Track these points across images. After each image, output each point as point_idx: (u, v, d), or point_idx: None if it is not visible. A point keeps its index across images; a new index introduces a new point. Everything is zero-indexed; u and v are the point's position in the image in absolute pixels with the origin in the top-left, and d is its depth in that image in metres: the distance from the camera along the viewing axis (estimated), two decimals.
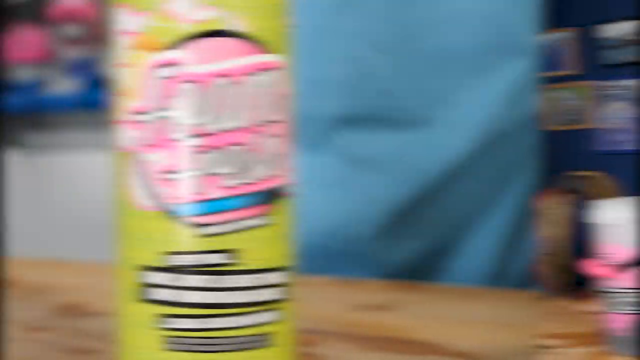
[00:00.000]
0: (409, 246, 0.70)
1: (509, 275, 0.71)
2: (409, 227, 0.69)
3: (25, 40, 2.13)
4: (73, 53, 2.08)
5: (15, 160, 2.25)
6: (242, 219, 0.32)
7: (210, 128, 0.32)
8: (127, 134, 0.33)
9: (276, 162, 0.33)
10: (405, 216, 0.69)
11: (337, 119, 0.69)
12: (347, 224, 0.70)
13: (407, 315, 0.55)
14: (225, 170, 0.32)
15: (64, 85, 2.15)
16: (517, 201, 0.69)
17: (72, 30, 2.08)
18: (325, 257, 0.71)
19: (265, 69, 0.32)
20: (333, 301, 0.60)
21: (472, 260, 0.70)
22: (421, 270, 0.70)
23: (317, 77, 0.68)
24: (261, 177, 0.33)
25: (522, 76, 0.67)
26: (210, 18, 0.31)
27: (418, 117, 0.67)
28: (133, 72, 0.32)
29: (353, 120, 0.68)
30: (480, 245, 0.70)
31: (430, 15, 0.65)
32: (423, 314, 0.56)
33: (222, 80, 0.32)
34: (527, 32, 0.65)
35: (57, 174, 2.24)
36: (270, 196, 0.33)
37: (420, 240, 0.70)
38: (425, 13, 0.65)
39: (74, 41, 2.08)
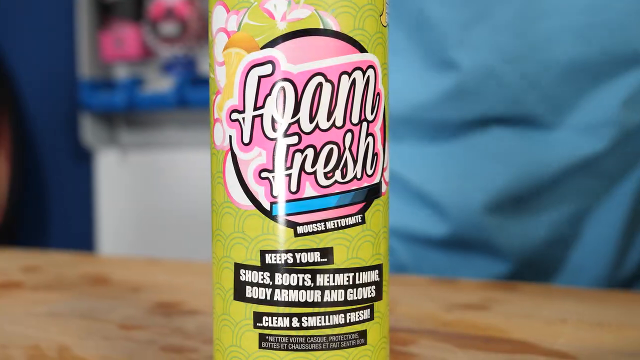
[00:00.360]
0: (530, 234, 0.71)
1: (626, 266, 0.73)
2: (530, 215, 0.71)
3: (124, 38, 2.18)
4: (170, 51, 2.12)
5: (112, 159, 2.31)
6: (337, 217, 0.32)
7: (306, 127, 0.31)
8: (223, 133, 0.33)
9: (371, 161, 0.33)
10: (526, 204, 0.71)
11: (470, 121, 0.71)
12: (472, 212, 0.71)
13: (503, 314, 0.54)
14: (320, 169, 0.32)
15: (161, 84, 2.19)
16: (635, 196, 0.71)
17: (169, 28, 2.12)
18: (453, 244, 0.74)
19: (360, 68, 0.32)
20: (429, 300, 0.59)
21: (591, 250, 0.72)
22: (543, 260, 0.73)
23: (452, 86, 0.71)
24: (356, 176, 0.32)
25: None
26: (306, 17, 0.31)
27: (544, 121, 0.69)
28: (229, 70, 0.32)
29: (484, 122, 0.71)
30: (599, 236, 0.72)
31: (555, 26, 0.67)
32: (520, 313, 0.55)
33: (318, 79, 0.31)
34: None
35: (153, 172, 2.28)
36: (365, 195, 0.33)
37: (541, 229, 0.71)
38: (551, 25, 0.67)
39: (171, 39, 2.12)
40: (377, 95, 0.33)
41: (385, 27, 0.34)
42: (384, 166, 0.34)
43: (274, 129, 0.32)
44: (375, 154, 0.33)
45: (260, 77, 0.32)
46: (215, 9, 0.33)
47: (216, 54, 0.33)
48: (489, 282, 0.68)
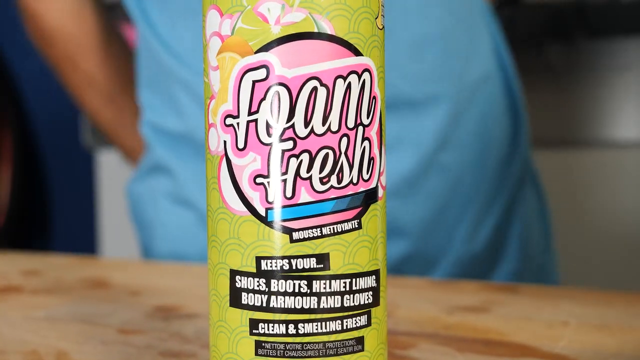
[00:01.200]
0: (415, 210, 0.79)
1: (477, 239, 0.82)
2: (414, 194, 0.79)
3: (125, 39, 2.17)
4: None
5: (114, 159, 2.31)
6: (332, 223, 0.32)
7: (301, 132, 0.31)
8: (217, 138, 0.33)
9: (367, 166, 0.33)
10: (416, 185, 0.79)
11: None
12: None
13: (504, 317, 0.54)
14: (316, 174, 0.31)
15: None
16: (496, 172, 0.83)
17: None
18: None
19: (355, 71, 0.32)
20: (429, 303, 0.59)
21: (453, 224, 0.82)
22: (433, 237, 0.81)
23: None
24: (352, 181, 0.32)
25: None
26: (300, 20, 0.31)
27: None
28: (223, 75, 0.32)
29: None
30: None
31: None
32: (520, 315, 0.54)
33: (313, 84, 0.31)
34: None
35: None
36: (361, 200, 0.32)
37: (424, 207, 0.79)
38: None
39: None
40: (373, 98, 0.33)
41: (381, 29, 0.34)
42: (381, 170, 0.34)
43: (268, 134, 0.31)
44: (371, 159, 0.33)
45: (254, 82, 0.31)
46: (209, 13, 0.33)
47: (210, 58, 0.33)
48: (490, 284, 0.67)
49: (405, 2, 0.76)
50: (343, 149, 0.32)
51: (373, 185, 0.33)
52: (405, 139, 0.77)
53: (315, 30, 0.31)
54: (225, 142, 0.32)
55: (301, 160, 0.31)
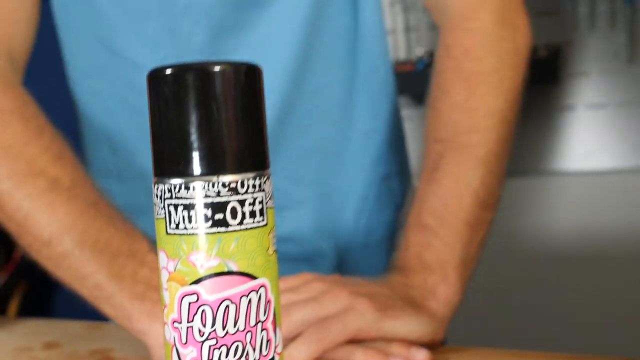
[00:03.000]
0: None
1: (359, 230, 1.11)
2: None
3: None
4: None
5: None
6: None
7: (220, 333, 0.50)
8: (170, 333, 0.51)
9: (266, 346, 0.51)
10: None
11: None
12: None
13: None
14: (231, 358, 0.50)
15: None
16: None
17: None
18: None
19: (254, 290, 0.51)
20: None
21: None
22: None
23: None
24: (255, 358, 0.51)
25: None
26: (216, 265, 0.50)
27: None
28: (170, 295, 0.51)
29: None
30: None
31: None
32: None
33: (226, 303, 0.50)
34: None
35: None
36: None
37: None
38: None
39: None
40: (267, 302, 0.51)
41: (272, 254, 0.52)
42: (276, 345, 0.52)
43: (200, 335, 0.50)
44: (268, 341, 0.51)
45: (190, 303, 0.50)
46: (160, 253, 0.51)
47: (163, 282, 0.52)
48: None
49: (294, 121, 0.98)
50: (248, 340, 0.50)
51: (270, 356, 0.52)
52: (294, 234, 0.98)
53: (226, 269, 0.50)
54: (174, 337, 0.51)
55: (221, 351, 0.50)
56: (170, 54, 0.99)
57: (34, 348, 0.98)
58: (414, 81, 2.20)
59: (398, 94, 1.11)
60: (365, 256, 1.08)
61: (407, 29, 2.56)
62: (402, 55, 2.56)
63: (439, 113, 0.93)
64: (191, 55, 0.97)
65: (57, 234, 0.86)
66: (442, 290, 0.86)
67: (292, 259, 1.00)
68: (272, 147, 0.96)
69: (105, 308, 0.87)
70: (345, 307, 0.78)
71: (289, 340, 0.77)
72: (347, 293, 0.81)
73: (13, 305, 2.46)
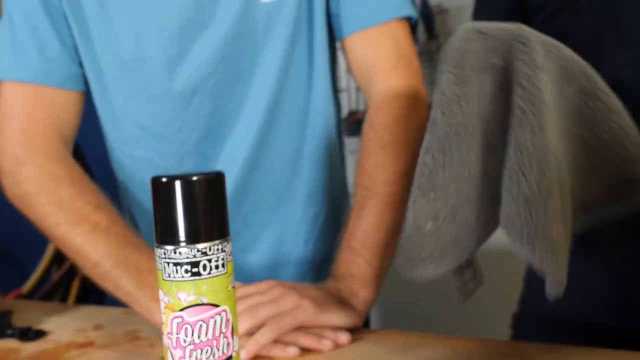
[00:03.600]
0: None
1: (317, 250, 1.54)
2: None
3: None
4: None
5: None
6: None
7: (196, 340, 0.80)
8: (165, 340, 0.82)
9: (225, 347, 0.82)
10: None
11: None
12: None
13: None
14: (205, 356, 0.80)
15: None
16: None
17: None
18: None
19: (218, 313, 0.81)
20: None
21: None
22: None
23: None
24: (219, 356, 0.81)
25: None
26: (194, 299, 0.80)
27: None
28: (166, 317, 0.81)
29: None
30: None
31: None
32: None
33: (200, 322, 0.80)
34: None
35: None
36: None
37: None
38: None
39: None
40: (227, 320, 0.81)
41: (231, 290, 0.82)
42: (233, 346, 0.82)
43: (184, 342, 0.80)
44: (228, 344, 0.82)
45: (177, 322, 0.80)
46: (160, 291, 0.82)
47: (162, 308, 0.82)
48: None
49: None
50: (215, 345, 0.81)
51: (229, 354, 0.82)
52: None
53: (200, 302, 0.80)
54: (168, 343, 0.81)
55: (197, 352, 0.80)
56: (182, 127, 1.34)
57: (86, 329, 1.31)
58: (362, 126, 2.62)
59: (354, 135, 1.43)
60: (313, 270, 1.41)
61: (358, 89, 2.92)
62: (354, 107, 2.95)
63: (365, 169, 1.30)
64: (195, 122, 1.32)
65: (100, 259, 1.26)
66: (362, 293, 1.23)
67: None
68: (235, 205, 1.27)
69: (135, 307, 1.28)
70: (295, 306, 1.12)
71: (256, 328, 1.11)
72: (297, 296, 1.15)
73: (72, 295, 2.85)
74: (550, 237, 0.90)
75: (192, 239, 0.79)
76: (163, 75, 1.33)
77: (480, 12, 1.46)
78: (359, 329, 1.21)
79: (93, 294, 3.00)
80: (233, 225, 1.33)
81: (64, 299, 2.98)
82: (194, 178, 0.79)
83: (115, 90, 1.37)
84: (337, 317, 1.17)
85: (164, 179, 0.79)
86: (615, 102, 0.97)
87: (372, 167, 1.29)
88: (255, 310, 1.14)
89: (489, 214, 0.95)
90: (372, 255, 1.25)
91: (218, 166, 1.40)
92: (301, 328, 1.15)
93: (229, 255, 0.82)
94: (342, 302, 1.21)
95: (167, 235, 0.80)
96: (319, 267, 1.42)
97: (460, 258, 0.96)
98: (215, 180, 0.80)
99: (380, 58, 1.34)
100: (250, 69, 1.35)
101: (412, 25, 1.38)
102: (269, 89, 1.36)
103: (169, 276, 0.80)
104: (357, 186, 1.30)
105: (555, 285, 0.91)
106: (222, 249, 0.81)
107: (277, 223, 1.45)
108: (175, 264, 0.79)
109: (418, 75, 1.36)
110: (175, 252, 0.79)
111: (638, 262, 1.26)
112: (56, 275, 2.99)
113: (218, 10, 1.31)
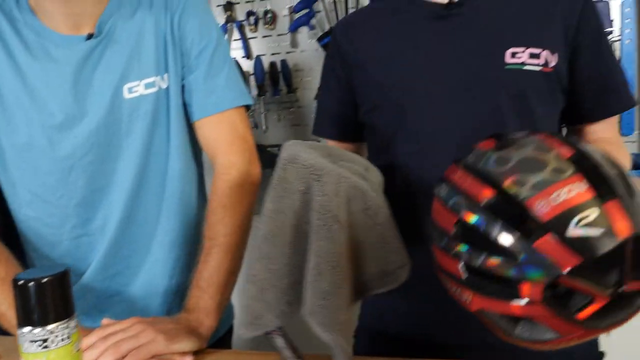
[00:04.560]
0: None
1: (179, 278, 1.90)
2: None
3: None
4: None
5: None
6: None
7: None
8: None
9: None
10: None
11: None
12: None
13: None
14: None
15: None
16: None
17: None
18: None
19: None
20: None
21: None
22: None
23: None
24: None
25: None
26: None
27: None
28: None
29: None
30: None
31: None
32: None
33: None
34: None
35: None
36: None
37: None
38: None
39: None
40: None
41: (76, 352, 1.14)
42: None
43: None
44: None
45: None
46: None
47: None
48: None
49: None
50: None
51: None
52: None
53: None
54: None
55: None
56: (63, 194, 1.70)
57: None
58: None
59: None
60: (177, 298, 1.81)
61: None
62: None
63: (209, 223, 1.68)
64: (73, 191, 1.70)
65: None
66: (206, 322, 1.59)
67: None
68: (116, 250, 1.59)
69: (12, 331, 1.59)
70: (150, 339, 1.48)
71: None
72: (153, 330, 1.50)
73: None
74: (341, 322, 1.25)
75: (42, 322, 1.11)
76: (48, 155, 1.67)
77: (323, 96, 1.84)
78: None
79: None
80: (116, 265, 1.67)
81: None
82: (44, 280, 1.10)
83: (13, 165, 1.69)
84: (185, 344, 1.51)
85: (20, 282, 1.11)
86: (383, 213, 1.31)
87: (214, 222, 1.66)
88: (119, 346, 1.47)
89: (290, 295, 1.29)
90: (214, 291, 1.61)
91: (95, 223, 1.73)
92: (156, 356, 1.48)
93: (74, 328, 1.14)
94: (190, 330, 1.54)
95: (24, 320, 1.11)
96: (182, 296, 1.76)
97: (267, 327, 1.31)
98: (62, 277, 1.12)
99: (220, 138, 1.72)
100: (117, 150, 1.68)
101: (248, 108, 1.74)
102: (134, 166, 1.70)
103: (26, 350, 1.12)
104: (204, 237, 1.67)
105: (344, 356, 1.27)
106: (67, 326, 1.13)
107: (149, 264, 1.78)
108: (31, 341, 1.11)
109: (252, 150, 1.74)
110: (30, 333, 1.11)
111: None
112: None
113: (90, 106, 1.65)
